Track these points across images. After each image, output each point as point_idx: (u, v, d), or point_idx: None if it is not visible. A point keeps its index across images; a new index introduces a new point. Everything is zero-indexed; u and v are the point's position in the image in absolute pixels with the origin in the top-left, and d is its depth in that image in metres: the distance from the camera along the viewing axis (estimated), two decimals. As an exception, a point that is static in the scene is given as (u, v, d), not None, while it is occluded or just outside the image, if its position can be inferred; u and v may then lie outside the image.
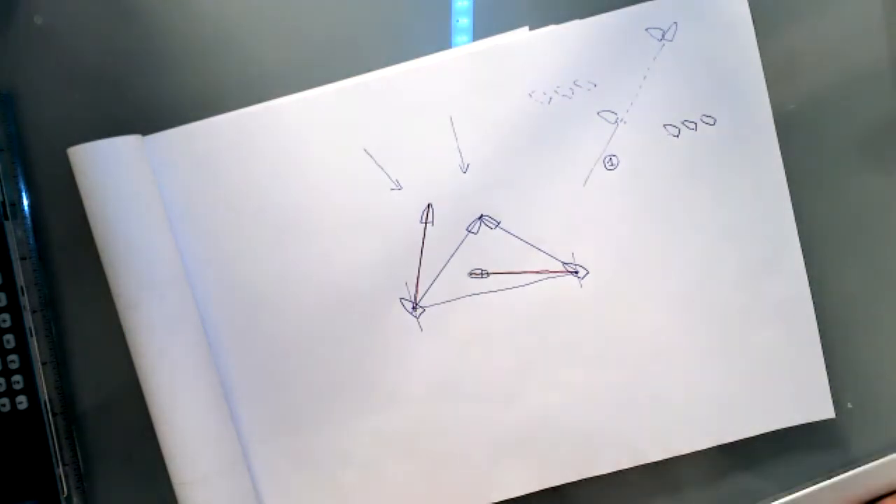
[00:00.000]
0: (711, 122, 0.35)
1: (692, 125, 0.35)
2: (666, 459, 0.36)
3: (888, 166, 0.37)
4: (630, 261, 0.36)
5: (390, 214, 0.36)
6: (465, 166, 0.36)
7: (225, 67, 0.36)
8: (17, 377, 0.36)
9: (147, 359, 0.34)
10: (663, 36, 0.35)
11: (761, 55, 0.35)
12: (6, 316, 0.36)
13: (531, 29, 0.36)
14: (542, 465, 0.36)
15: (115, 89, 0.36)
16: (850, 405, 0.37)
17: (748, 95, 0.35)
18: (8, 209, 0.36)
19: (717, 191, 0.36)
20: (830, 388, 0.36)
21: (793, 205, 0.35)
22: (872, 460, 0.36)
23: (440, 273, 0.36)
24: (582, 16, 0.35)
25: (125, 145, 0.34)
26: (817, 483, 0.36)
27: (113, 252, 0.34)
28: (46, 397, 0.36)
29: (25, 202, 0.36)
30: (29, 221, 0.36)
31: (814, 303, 0.36)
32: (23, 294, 0.36)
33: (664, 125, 0.35)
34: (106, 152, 0.34)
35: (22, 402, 0.36)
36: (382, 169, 0.36)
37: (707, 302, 0.36)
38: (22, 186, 0.36)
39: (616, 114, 0.36)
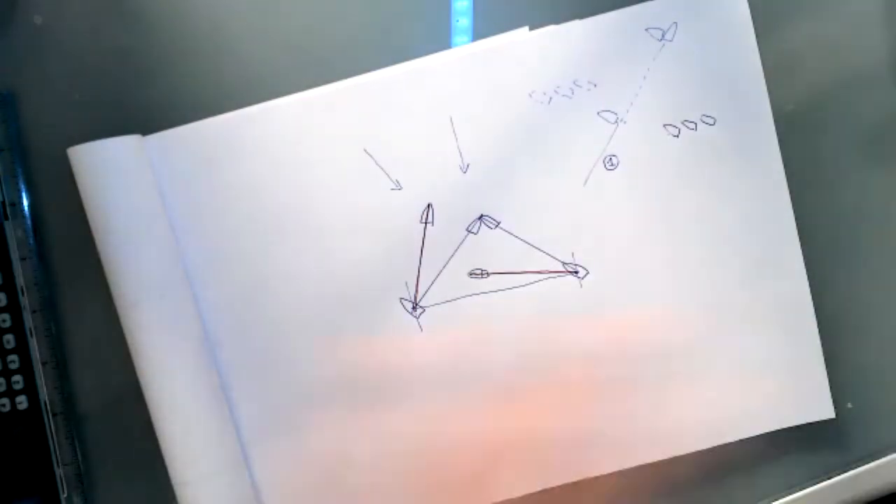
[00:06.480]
0: (711, 122, 0.35)
1: (692, 125, 0.35)
2: (666, 459, 0.36)
3: (888, 166, 0.36)
4: (630, 261, 0.36)
5: (390, 214, 0.36)
6: (465, 166, 0.36)
7: (224, 67, 0.36)
8: (17, 377, 0.36)
9: (147, 359, 0.34)
10: (663, 36, 0.35)
11: (761, 55, 0.35)
12: (6, 316, 0.36)
13: (531, 29, 0.36)
14: (542, 465, 0.36)
15: (115, 89, 0.36)
16: (850, 405, 0.37)
17: (748, 95, 0.35)
18: (8, 209, 0.36)
19: (717, 191, 0.36)
20: (830, 388, 0.36)
21: (793, 205, 0.35)
22: (872, 460, 0.36)
23: (440, 273, 0.36)
24: (582, 16, 0.35)
25: (125, 145, 0.34)
26: (817, 483, 0.36)
27: (113, 252, 0.34)
28: (46, 397, 0.36)
29: (25, 202, 0.36)
30: (29, 221, 0.36)
31: (814, 303, 0.36)
32: (23, 294, 0.36)
33: (664, 125, 0.35)
34: (106, 152, 0.34)
35: (22, 402, 0.36)
36: (382, 169, 0.36)
37: (707, 302, 0.36)
38: (22, 186, 0.36)
39: (616, 114, 0.36)
